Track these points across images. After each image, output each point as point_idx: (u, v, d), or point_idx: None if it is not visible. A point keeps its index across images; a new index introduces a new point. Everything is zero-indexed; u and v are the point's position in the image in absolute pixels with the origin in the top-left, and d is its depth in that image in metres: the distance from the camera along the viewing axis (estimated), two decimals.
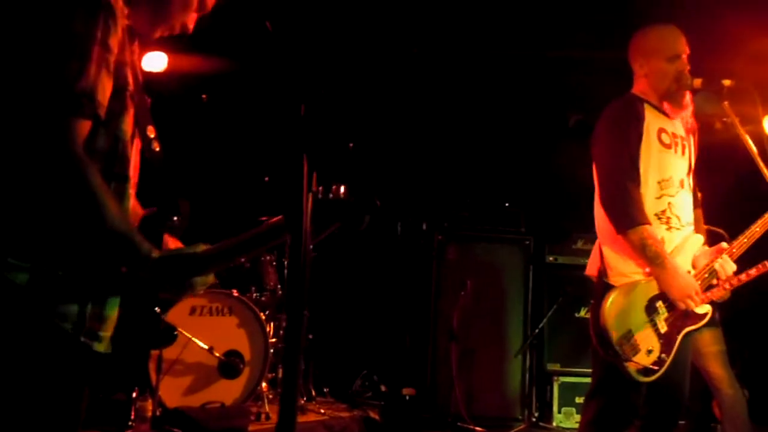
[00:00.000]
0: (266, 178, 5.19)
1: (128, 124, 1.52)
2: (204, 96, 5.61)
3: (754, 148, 2.64)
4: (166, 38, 1.67)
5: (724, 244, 2.73)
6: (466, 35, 5.20)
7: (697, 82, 2.66)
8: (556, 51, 5.30)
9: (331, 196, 1.44)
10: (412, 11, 4.74)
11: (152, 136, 1.61)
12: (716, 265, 2.70)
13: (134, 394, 3.66)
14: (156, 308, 1.54)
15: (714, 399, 4.65)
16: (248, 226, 1.61)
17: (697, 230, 2.79)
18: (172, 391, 3.92)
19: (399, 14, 4.65)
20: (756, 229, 2.80)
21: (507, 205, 5.88)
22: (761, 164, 2.58)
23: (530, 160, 6.09)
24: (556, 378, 5.45)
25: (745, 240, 2.79)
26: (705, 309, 2.69)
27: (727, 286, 4.18)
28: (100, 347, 1.48)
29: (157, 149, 1.62)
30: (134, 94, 1.53)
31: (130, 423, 3.58)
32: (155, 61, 5.18)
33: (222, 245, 1.54)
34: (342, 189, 1.46)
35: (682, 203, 2.70)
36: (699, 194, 4.39)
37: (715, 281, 2.72)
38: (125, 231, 1.44)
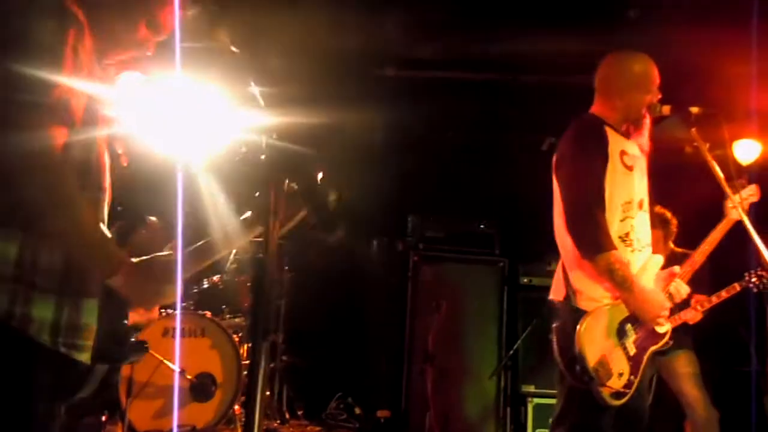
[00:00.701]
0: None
1: (99, 137, 1.52)
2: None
3: (720, 174, 2.69)
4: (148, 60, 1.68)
5: (676, 268, 2.75)
6: (442, 56, 5.26)
7: (666, 109, 2.71)
8: (531, 75, 5.39)
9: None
10: (391, 30, 4.79)
11: (120, 151, 1.62)
12: (671, 289, 2.72)
13: (104, 418, 3.59)
14: (125, 320, 1.52)
15: (686, 419, 4.70)
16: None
17: (656, 251, 2.79)
18: (143, 415, 3.86)
19: (376, 33, 4.69)
20: (705, 248, 2.87)
21: (482, 226, 5.92)
22: (727, 189, 2.64)
23: (505, 182, 6.14)
24: (530, 399, 5.46)
25: (697, 258, 2.84)
26: (665, 328, 2.71)
27: (699, 307, 4.28)
28: (82, 356, 1.45)
29: (125, 164, 1.63)
30: (103, 109, 1.54)
31: None
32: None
33: (191, 250, 1.56)
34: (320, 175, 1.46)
35: (643, 224, 2.72)
36: (672, 219, 4.47)
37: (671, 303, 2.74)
38: (99, 237, 1.45)
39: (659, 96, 2.76)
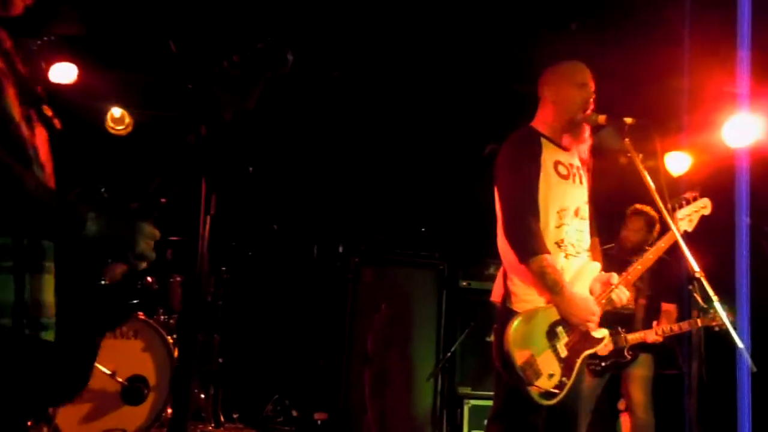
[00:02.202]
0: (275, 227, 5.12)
1: (12, 105, 1.44)
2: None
3: (651, 184, 2.77)
4: (77, 51, 1.62)
5: (615, 277, 2.82)
6: (385, 61, 5.27)
7: (602, 118, 2.80)
8: (474, 81, 5.46)
9: (249, 53, 1.41)
10: (331, 34, 4.77)
11: (50, 114, 1.54)
12: (613, 296, 2.79)
13: (29, 423, 3.45)
14: (102, 281, 1.44)
15: (619, 417, 4.85)
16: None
17: (594, 257, 2.89)
18: (70, 419, 3.73)
19: (318, 36, 4.66)
20: (649, 256, 2.95)
21: (423, 230, 5.96)
22: (657, 199, 2.72)
23: (446, 187, 6.20)
24: (466, 401, 5.52)
25: (639, 267, 2.91)
26: (602, 333, 2.78)
27: (660, 332, 4.37)
28: (49, 335, 1.39)
29: (59, 126, 1.55)
30: (7, 74, 1.45)
31: None
32: (64, 73, 4.98)
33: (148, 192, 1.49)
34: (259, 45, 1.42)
35: (578, 231, 2.82)
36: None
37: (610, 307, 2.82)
38: (51, 194, 1.37)
39: (593, 96, 2.85)
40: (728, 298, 2.81)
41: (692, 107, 4.86)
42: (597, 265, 2.86)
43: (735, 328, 2.37)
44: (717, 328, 2.43)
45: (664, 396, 5.08)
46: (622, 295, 2.81)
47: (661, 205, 2.78)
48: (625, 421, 5.25)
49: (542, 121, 2.90)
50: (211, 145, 1.17)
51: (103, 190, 1.54)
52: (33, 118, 1.49)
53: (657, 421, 4.68)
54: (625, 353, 4.46)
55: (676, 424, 4.71)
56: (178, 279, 4.70)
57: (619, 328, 4.46)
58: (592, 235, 2.91)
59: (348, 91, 5.59)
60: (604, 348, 4.47)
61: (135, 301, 1.52)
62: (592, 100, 2.86)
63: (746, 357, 2.48)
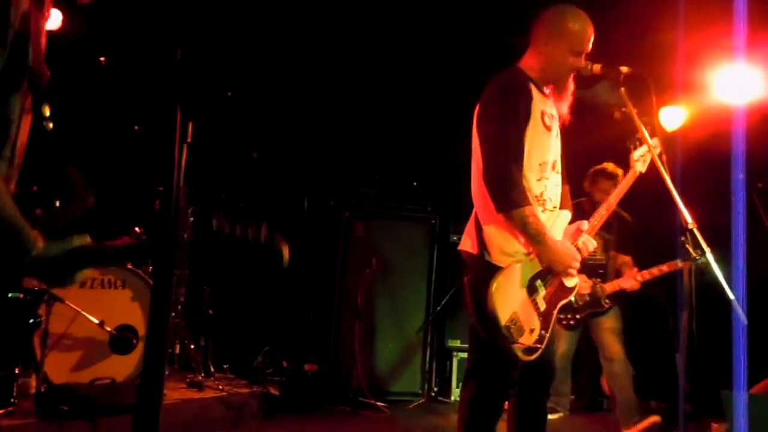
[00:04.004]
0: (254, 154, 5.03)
1: (20, 103, 1.39)
2: (103, 59, 5.31)
3: (649, 139, 2.72)
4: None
5: (584, 224, 2.76)
6: (376, 9, 5.17)
7: (597, 67, 2.69)
8: (465, 31, 5.36)
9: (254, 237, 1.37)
10: None
11: (47, 114, 1.49)
12: (579, 243, 2.72)
13: (17, 370, 3.44)
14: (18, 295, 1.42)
15: (603, 374, 4.90)
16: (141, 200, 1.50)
17: (564, 206, 2.80)
18: (59, 367, 3.73)
19: None
20: (611, 201, 2.88)
21: (414, 184, 5.93)
22: (654, 155, 2.67)
23: (437, 140, 6.14)
24: (455, 354, 5.58)
25: (603, 212, 2.85)
26: (574, 282, 2.72)
27: (639, 278, 4.42)
28: None
29: (50, 128, 1.50)
30: (32, 70, 1.40)
31: (12, 400, 3.37)
32: (49, 20, 4.85)
33: (106, 247, 1.46)
34: (263, 231, 1.39)
35: (555, 186, 2.73)
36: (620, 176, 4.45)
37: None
38: (14, 219, 1.33)
39: (583, 64, 2.69)
40: (722, 253, 2.76)
41: (687, 60, 4.79)
42: (568, 214, 2.79)
43: (727, 281, 2.36)
44: (701, 263, 2.38)
45: (655, 353, 5.15)
46: (589, 244, 2.74)
47: (659, 163, 2.73)
48: None
49: (530, 62, 2.73)
50: (186, 71, 1.12)
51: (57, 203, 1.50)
52: (26, 106, 1.44)
53: (648, 379, 4.75)
54: (602, 303, 4.56)
55: (666, 381, 4.77)
56: None
57: (595, 279, 4.57)
58: (563, 183, 2.81)
59: (338, 42, 5.48)
60: (581, 298, 4.52)
61: (33, 320, 1.51)
62: (581, 67, 2.69)
63: (738, 309, 2.46)
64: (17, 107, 1.39)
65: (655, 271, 4.41)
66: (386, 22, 5.37)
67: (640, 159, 2.89)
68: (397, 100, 6.07)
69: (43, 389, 3.54)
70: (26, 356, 3.56)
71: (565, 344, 4.66)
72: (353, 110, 6.10)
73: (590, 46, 2.71)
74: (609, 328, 4.58)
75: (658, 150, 2.76)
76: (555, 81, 2.72)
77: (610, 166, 4.59)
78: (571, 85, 2.75)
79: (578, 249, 2.71)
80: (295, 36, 5.21)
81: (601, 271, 4.65)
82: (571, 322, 4.64)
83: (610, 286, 4.57)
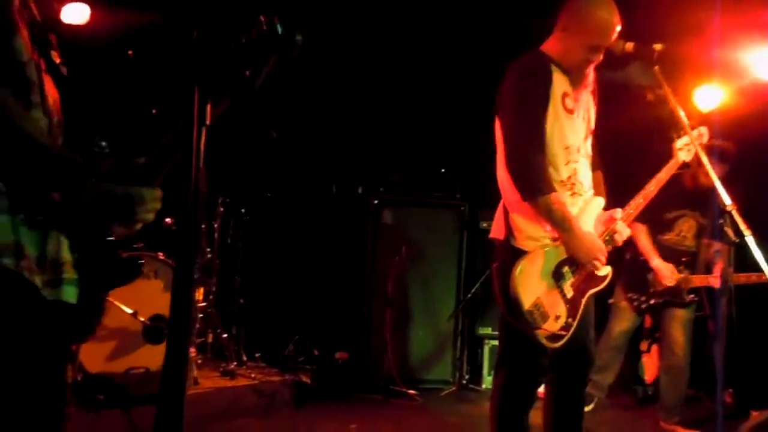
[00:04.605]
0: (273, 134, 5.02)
1: (24, 46, 1.38)
2: (131, 52, 5.34)
3: (685, 120, 2.65)
4: None
5: (618, 212, 2.72)
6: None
7: (630, 45, 2.61)
8: (496, 20, 5.28)
9: (256, 31, 1.33)
10: None
11: (58, 61, 1.49)
12: (615, 234, 2.69)
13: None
14: (110, 237, 1.42)
15: (641, 360, 4.77)
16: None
17: (597, 193, 2.76)
18: (94, 357, 3.78)
19: None
20: (650, 189, 2.82)
21: (443, 171, 5.88)
22: (687, 128, 2.60)
23: (466, 126, 6.07)
24: (486, 342, 5.54)
25: (641, 200, 2.80)
26: (606, 271, 2.68)
27: (711, 280, 4.11)
28: (70, 294, 1.38)
29: (65, 74, 1.50)
30: (23, 14, 1.39)
31: None
32: (77, 13, 4.89)
33: (156, 150, 1.45)
34: (263, 20, 1.35)
35: (584, 169, 2.68)
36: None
37: (611, 247, 2.71)
38: (52, 146, 1.32)
39: (600, 58, 2.61)
40: (763, 235, 2.66)
41: (722, 40, 4.65)
42: (601, 201, 2.75)
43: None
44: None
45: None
46: (624, 232, 2.70)
47: (696, 144, 2.67)
48: (648, 362, 5.18)
49: (553, 46, 2.66)
50: (204, 52, 1.10)
51: (104, 144, 1.49)
52: (42, 66, 1.43)
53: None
54: (684, 296, 4.23)
55: (702, 369, 4.63)
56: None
57: (683, 268, 4.22)
58: (594, 170, 2.78)
59: (366, 28, 5.44)
60: (659, 285, 4.24)
61: (141, 261, 1.49)
62: (599, 60, 2.62)
63: None
64: (23, 50, 1.37)
65: (754, 277, 3.77)
66: (416, 6, 5.31)
67: (684, 148, 2.84)
68: (425, 87, 6.01)
69: (79, 378, 3.60)
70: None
71: (627, 322, 4.45)
72: (381, 97, 6.06)
73: (615, 34, 2.60)
74: (680, 318, 4.30)
75: (705, 139, 2.74)
76: (569, 69, 2.64)
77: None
78: (590, 75, 2.68)
79: (612, 237, 2.66)
80: (322, 24, 5.18)
81: (684, 258, 4.26)
82: (642, 306, 4.35)
83: (699, 280, 4.22)
